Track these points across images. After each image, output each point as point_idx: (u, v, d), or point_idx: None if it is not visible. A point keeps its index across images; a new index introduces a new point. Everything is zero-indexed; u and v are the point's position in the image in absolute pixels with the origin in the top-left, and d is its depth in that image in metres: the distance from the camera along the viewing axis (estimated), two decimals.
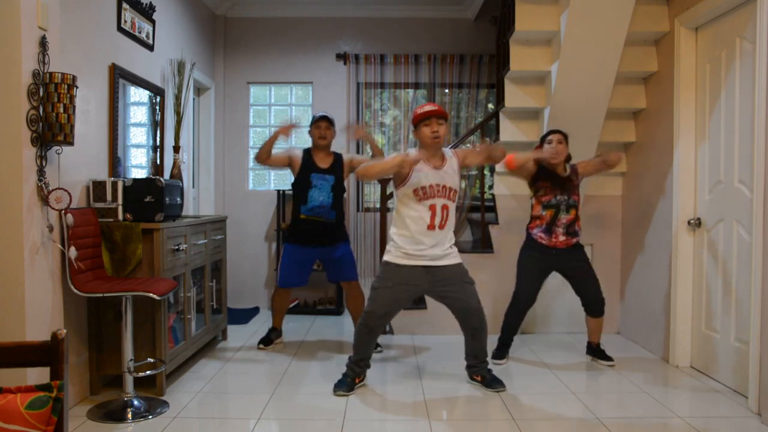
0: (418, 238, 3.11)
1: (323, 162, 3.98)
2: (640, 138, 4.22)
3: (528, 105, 4.26)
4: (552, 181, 3.61)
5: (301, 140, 5.58)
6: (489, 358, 3.40)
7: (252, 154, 5.62)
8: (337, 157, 4.02)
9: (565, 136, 3.63)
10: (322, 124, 3.97)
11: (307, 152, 4.02)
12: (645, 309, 4.14)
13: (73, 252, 2.67)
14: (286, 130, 3.82)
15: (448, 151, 3.26)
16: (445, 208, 3.13)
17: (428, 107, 3.14)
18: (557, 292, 4.45)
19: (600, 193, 4.53)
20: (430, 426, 2.75)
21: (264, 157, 3.89)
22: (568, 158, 3.67)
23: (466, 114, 5.54)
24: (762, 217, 2.85)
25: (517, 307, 3.73)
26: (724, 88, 3.33)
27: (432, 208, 3.11)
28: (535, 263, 3.67)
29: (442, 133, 3.12)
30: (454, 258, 3.19)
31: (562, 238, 3.60)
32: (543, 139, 3.67)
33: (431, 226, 3.11)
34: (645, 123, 4.15)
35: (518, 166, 3.55)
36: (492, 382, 3.24)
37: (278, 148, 3.99)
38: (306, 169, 3.95)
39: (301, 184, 3.95)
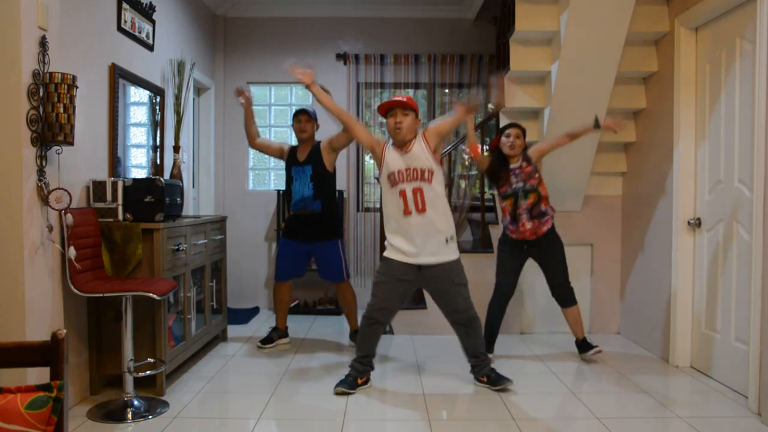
0: (403, 227, 3.13)
1: (302, 154, 4.06)
2: (640, 138, 4.22)
3: (528, 105, 4.26)
4: (505, 172, 3.69)
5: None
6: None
7: (252, 154, 5.63)
8: (315, 145, 4.07)
9: (523, 131, 3.71)
10: (302, 117, 4.06)
11: (293, 148, 4.15)
12: (645, 309, 4.14)
13: (72, 252, 2.67)
14: (241, 96, 3.97)
15: (418, 132, 3.27)
16: (417, 191, 3.11)
17: (395, 98, 3.20)
18: None
19: (600, 193, 4.53)
20: (430, 426, 2.75)
21: (250, 138, 4.09)
22: (525, 149, 3.74)
23: None
24: (762, 217, 2.85)
25: (497, 299, 3.81)
26: (724, 88, 3.33)
27: (402, 194, 3.12)
28: (509, 257, 3.78)
29: (405, 125, 3.13)
30: (450, 255, 3.17)
31: (528, 225, 3.64)
32: (502, 132, 3.75)
33: (407, 212, 3.12)
34: (645, 123, 4.15)
35: (478, 145, 3.71)
36: (497, 380, 3.23)
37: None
38: (288, 164, 4.11)
39: (287, 179, 4.13)
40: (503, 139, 3.70)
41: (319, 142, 4.07)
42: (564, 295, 3.76)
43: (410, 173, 3.13)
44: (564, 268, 3.75)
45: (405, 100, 3.17)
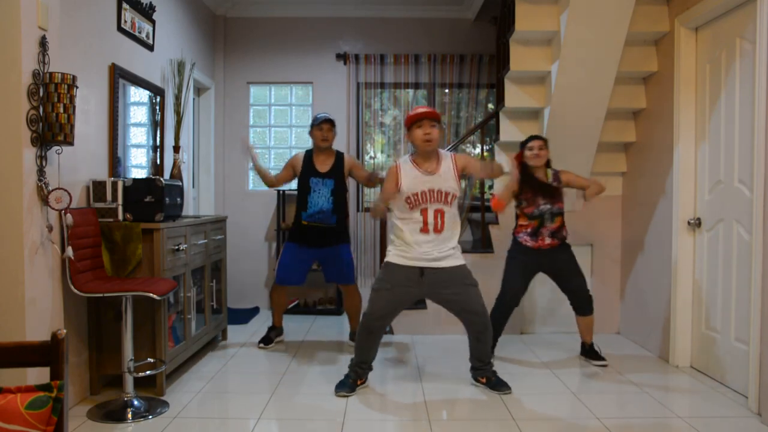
0: (413, 241, 3.09)
1: (323, 165, 3.98)
2: (640, 138, 4.22)
3: (528, 105, 4.26)
4: (533, 190, 3.62)
5: (302, 141, 5.59)
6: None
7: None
8: (338, 158, 4.02)
9: (546, 142, 3.66)
10: (324, 126, 3.97)
11: (308, 155, 4.05)
12: (645, 309, 4.14)
13: (69, 252, 2.67)
14: (248, 151, 4.10)
15: (446, 153, 3.22)
16: (439, 212, 3.08)
17: (421, 109, 3.13)
18: (557, 292, 4.44)
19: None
20: (430, 426, 2.75)
21: (269, 183, 4.11)
22: (548, 163, 3.69)
23: (466, 114, 5.54)
24: (762, 217, 2.85)
25: (501, 308, 3.75)
26: (724, 88, 3.33)
27: (424, 213, 3.08)
28: (521, 265, 3.70)
29: (434, 136, 3.08)
30: (455, 260, 3.15)
31: (548, 240, 3.63)
32: (523, 145, 3.69)
33: (425, 230, 3.08)
34: (645, 123, 4.15)
35: (506, 203, 3.58)
36: (497, 384, 3.22)
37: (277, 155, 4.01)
38: (306, 173, 3.98)
39: (301, 188, 3.99)
40: (527, 152, 3.63)
41: (342, 155, 4.03)
42: (584, 303, 3.70)
43: (434, 195, 3.08)
44: (582, 275, 3.70)
45: (432, 110, 3.11)
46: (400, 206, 3.13)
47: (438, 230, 3.09)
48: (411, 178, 3.11)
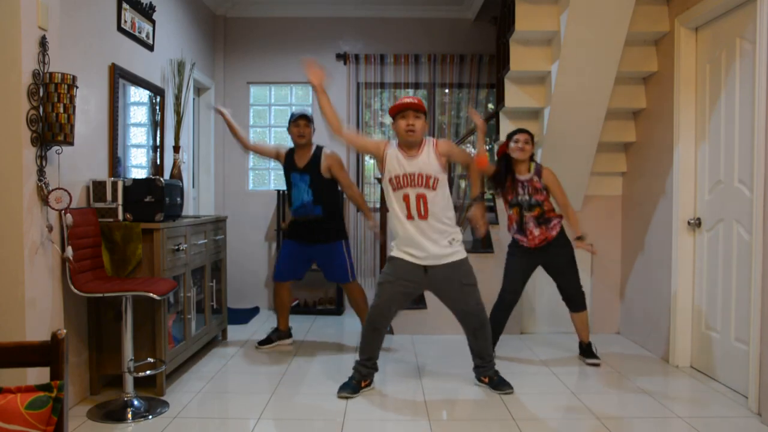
0: (405, 234, 3.09)
1: (301, 160, 4.02)
2: (640, 138, 4.22)
3: (528, 105, 4.26)
4: (511, 182, 3.65)
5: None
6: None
7: (252, 153, 5.62)
8: (316, 152, 4.01)
9: (532, 137, 3.66)
10: (300, 122, 3.99)
11: (290, 151, 4.10)
12: (645, 309, 4.14)
13: (69, 252, 2.67)
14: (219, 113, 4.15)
15: (428, 139, 3.21)
16: (421, 197, 3.06)
17: (407, 99, 3.13)
18: (557, 292, 4.44)
19: (600, 193, 4.53)
20: (430, 426, 2.75)
21: (242, 144, 4.16)
22: (532, 157, 3.70)
23: (466, 114, 5.54)
24: (762, 217, 2.85)
25: (502, 304, 3.78)
26: (724, 88, 3.33)
27: (405, 198, 3.08)
28: (518, 262, 3.74)
29: (418, 127, 3.08)
30: (456, 255, 3.14)
31: (537, 232, 3.63)
32: (510, 137, 3.70)
33: (409, 216, 3.08)
34: (645, 123, 4.15)
35: (487, 166, 3.56)
36: (499, 384, 3.22)
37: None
38: (287, 169, 4.07)
39: (287, 185, 4.11)
40: (512, 144, 3.64)
41: (321, 150, 4.00)
42: (576, 299, 3.73)
43: (414, 179, 3.08)
44: (575, 272, 3.72)
45: (417, 101, 3.11)
46: (388, 189, 3.15)
47: (422, 216, 3.08)
48: (394, 159, 3.13)
